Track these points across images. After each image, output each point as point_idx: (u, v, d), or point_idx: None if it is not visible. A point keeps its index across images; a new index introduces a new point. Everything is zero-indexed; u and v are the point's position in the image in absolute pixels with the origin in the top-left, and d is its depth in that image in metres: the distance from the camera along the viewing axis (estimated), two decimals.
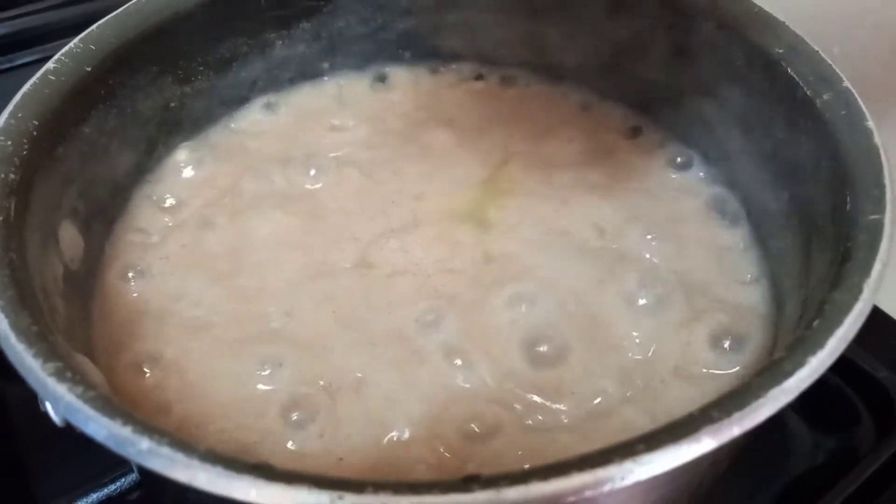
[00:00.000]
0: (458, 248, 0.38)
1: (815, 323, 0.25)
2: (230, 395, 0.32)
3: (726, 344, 0.34)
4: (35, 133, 0.32)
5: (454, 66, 0.49)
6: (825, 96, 0.34)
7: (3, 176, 0.30)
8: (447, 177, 0.41)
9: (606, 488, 0.21)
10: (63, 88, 0.34)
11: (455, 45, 0.48)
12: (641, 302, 0.35)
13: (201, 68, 0.43)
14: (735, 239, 0.39)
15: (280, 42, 0.45)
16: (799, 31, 0.37)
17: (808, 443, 0.42)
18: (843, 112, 0.33)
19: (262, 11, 0.44)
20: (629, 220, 0.39)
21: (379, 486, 0.20)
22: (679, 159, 0.43)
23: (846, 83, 0.34)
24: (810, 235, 0.34)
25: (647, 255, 0.38)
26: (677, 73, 0.42)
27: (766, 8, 0.38)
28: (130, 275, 0.37)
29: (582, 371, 0.33)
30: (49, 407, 0.25)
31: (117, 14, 0.38)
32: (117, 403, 0.23)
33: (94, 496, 0.38)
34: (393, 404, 0.32)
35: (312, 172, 0.42)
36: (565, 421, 0.31)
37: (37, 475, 0.40)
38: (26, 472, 0.41)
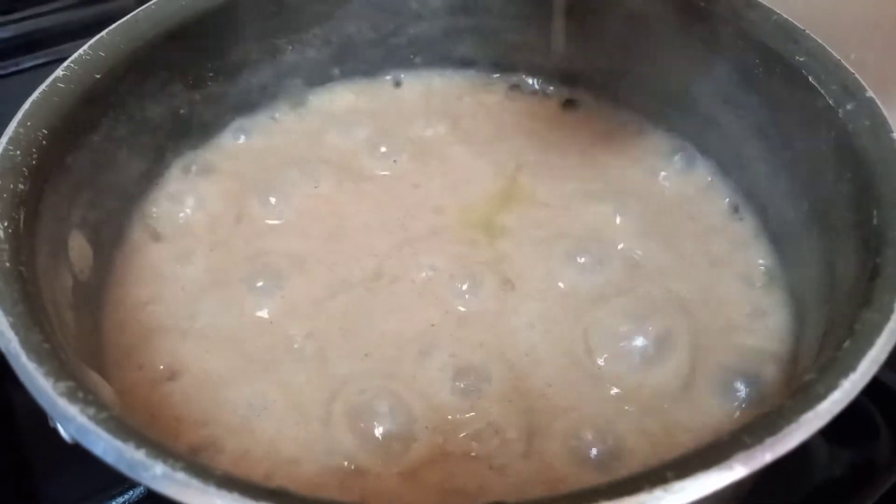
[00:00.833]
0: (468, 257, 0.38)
1: (846, 344, 0.24)
2: (247, 408, 0.32)
3: (744, 357, 0.34)
4: (44, 142, 0.32)
5: (466, 72, 0.48)
6: (848, 106, 0.33)
7: (12, 186, 0.29)
8: (461, 189, 0.41)
9: None
10: (72, 96, 0.34)
11: (467, 50, 0.48)
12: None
13: (211, 74, 0.42)
14: (751, 249, 0.39)
15: (290, 48, 0.45)
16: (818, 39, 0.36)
17: (826, 456, 0.41)
18: (867, 123, 0.32)
19: (273, 17, 0.43)
20: (639, 229, 0.39)
21: None
22: (692, 166, 0.43)
23: (870, 93, 0.33)
24: (832, 247, 0.33)
25: (658, 265, 0.37)
26: (693, 80, 0.42)
27: (783, 14, 0.38)
28: (141, 285, 0.36)
29: None
30: (59, 426, 0.25)
31: (127, 20, 0.38)
32: (130, 424, 0.23)
33: None
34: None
35: (319, 182, 0.41)
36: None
37: (44, 486, 0.40)
38: (33, 483, 0.40)
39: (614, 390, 0.33)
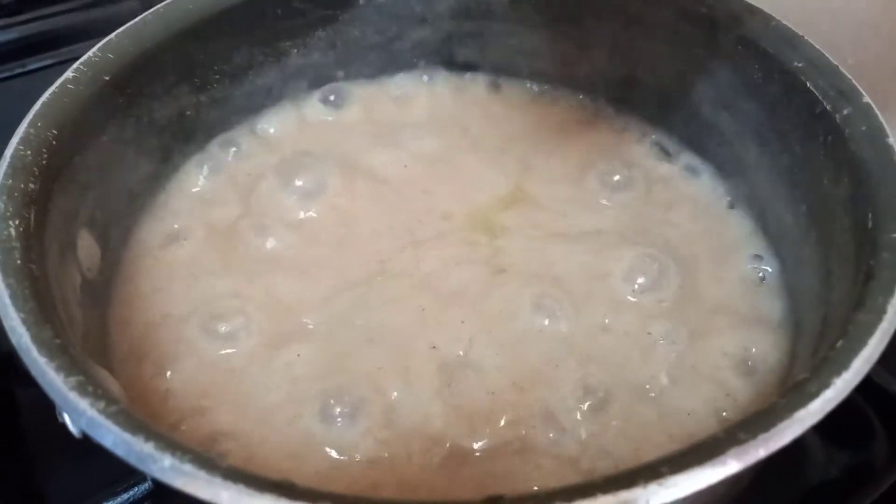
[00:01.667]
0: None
1: (840, 343, 0.25)
2: (258, 403, 0.32)
3: (742, 357, 0.34)
4: (54, 142, 0.32)
5: (469, 75, 0.49)
6: (845, 111, 0.33)
7: (22, 186, 0.30)
8: (466, 193, 0.42)
9: None
10: (82, 98, 0.34)
11: (470, 54, 0.48)
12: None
13: (217, 77, 0.43)
14: (749, 251, 0.39)
15: (295, 51, 0.45)
16: (814, 43, 0.36)
17: (822, 457, 0.42)
18: (864, 128, 0.32)
19: (279, 20, 0.44)
20: (637, 229, 0.39)
21: None
22: (692, 170, 0.43)
23: (866, 98, 0.34)
24: (829, 251, 0.33)
25: (657, 268, 0.38)
26: (694, 85, 0.42)
27: (781, 20, 0.38)
28: (148, 283, 0.37)
29: None
30: (68, 419, 0.25)
31: (135, 23, 0.38)
32: (138, 418, 0.23)
33: None
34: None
35: (327, 185, 0.41)
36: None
37: (48, 483, 0.40)
38: (38, 479, 0.41)
39: None
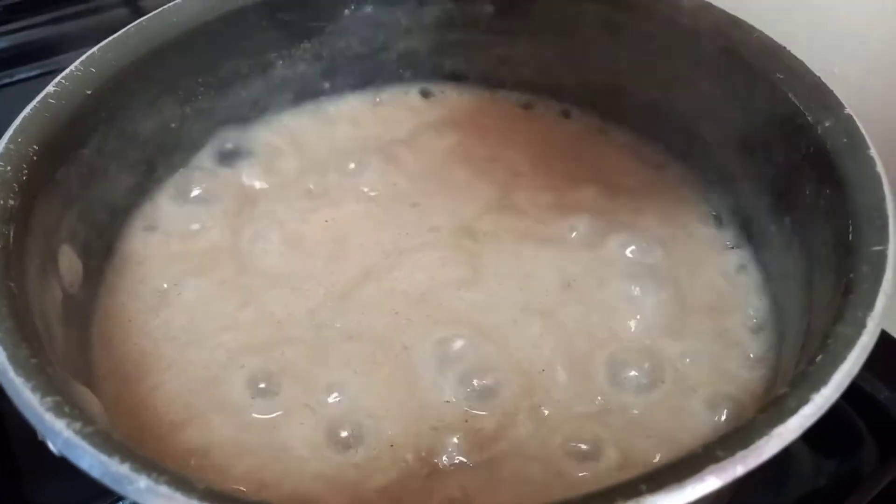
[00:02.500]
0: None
1: (819, 358, 0.25)
2: (237, 418, 0.32)
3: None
4: (35, 157, 0.32)
5: (456, 85, 0.49)
6: (826, 123, 0.33)
7: (2, 202, 0.30)
8: (452, 205, 0.42)
9: None
10: (63, 112, 0.34)
11: (456, 65, 0.48)
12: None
13: (202, 89, 0.43)
14: (732, 260, 0.39)
15: (281, 62, 0.45)
16: (799, 53, 0.37)
17: (811, 465, 0.42)
18: (845, 140, 0.33)
19: (264, 32, 0.43)
20: (622, 237, 0.39)
21: None
22: (677, 179, 0.43)
23: (848, 110, 0.34)
24: (812, 262, 0.33)
25: (637, 275, 0.38)
26: (678, 96, 0.42)
27: (767, 30, 0.38)
28: (130, 298, 0.37)
29: None
30: (47, 440, 0.25)
31: (118, 36, 0.38)
32: (116, 438, 0.23)
33: None
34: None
35: (313, 197, 0.42)
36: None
37: (34, 494, 0.40)
38: (23, 490, 0.40)
39: None
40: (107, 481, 0.22)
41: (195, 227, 0.40)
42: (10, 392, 0.24)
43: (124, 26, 0.39)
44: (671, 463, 0.22)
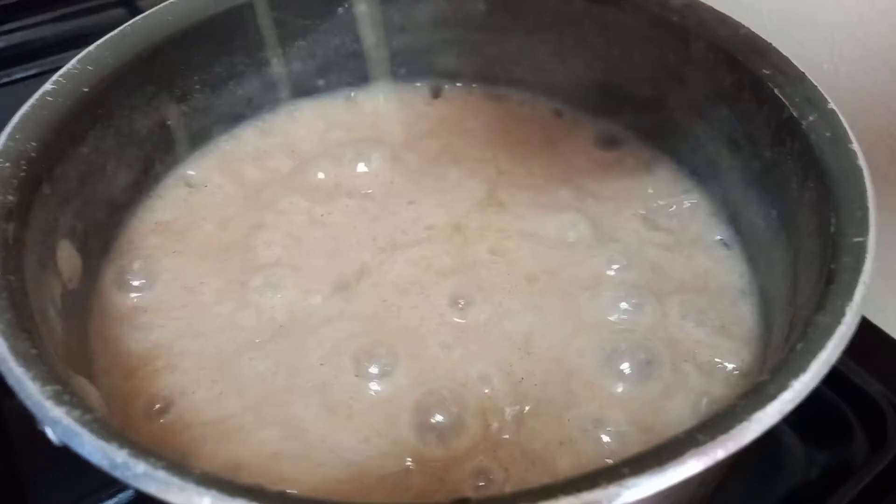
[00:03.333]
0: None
1: (799, 346, 0.25)
2: (237, 408, 0.33)
3: (709, 358, 0.35)
4: (33, 154, 0.33)
5: (449, 83, 0.49)
6: (811, 118, 0.34)
7: (1, 198, 0.30)
8: (443, 200, 0.42)
9: None
10: (61, 110, 0.35)
11: (449, 62, 0.49)
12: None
13: (198, 87, 0.43)
14: (722, 255, 0.40)
15: (275, 60, 0.46)
16: (791, 49, 0.37)
17: (802, 457, 0.42)
18: (828, 133, 0.33)
19: (258, 30, 0.44)
20: (609, 236, 0.40)
21: None
22: (666, 175, 0.44)
23: (831, 105, 0.34)
24: (797, 254, 0.34)
25: (629, 270, 0.38)
26: (667, 92, 0.43)
27: (759, 26, 0.39)
28: (130, 293, 0.37)
29: None
30: (48, 429, 0.25)
31: (114, 35, 0.39)
32: (114, 426, 0.24)
33: None
34: None
35: (308, 195, 0.42)
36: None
37: (33, 490, 0.40)
38: (23, 487, 0.41)
39: None
40: (105, 466, 0.22)
41: (192, 223, 0.41)
42: (10, 381, 0.25)
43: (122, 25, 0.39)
44: (653, 448, 0.22)
